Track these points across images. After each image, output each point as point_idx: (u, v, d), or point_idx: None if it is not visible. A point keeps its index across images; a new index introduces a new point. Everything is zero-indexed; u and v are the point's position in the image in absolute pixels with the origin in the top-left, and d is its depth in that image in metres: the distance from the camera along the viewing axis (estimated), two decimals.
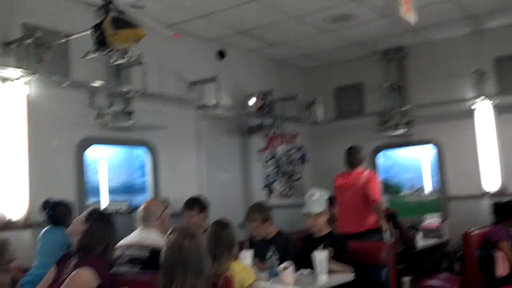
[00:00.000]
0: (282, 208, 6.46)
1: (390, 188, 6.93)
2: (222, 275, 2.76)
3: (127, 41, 3.72)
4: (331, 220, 5.46)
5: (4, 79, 4.09)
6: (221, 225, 3.30)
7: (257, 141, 6.67)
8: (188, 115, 5.72)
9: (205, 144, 5.85)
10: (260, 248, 3.86)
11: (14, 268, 3.57)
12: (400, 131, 6.72)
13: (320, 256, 3.55)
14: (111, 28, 3.67)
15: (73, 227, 2.97)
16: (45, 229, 3.67)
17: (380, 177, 6.61)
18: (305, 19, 5.62)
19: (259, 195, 6.46)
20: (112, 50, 3.89)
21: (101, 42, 3.75)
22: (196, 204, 4.86)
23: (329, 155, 7.10)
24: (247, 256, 3.56)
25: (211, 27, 5.72)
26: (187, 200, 4.91)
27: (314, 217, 3.97)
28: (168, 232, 2.62)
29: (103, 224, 2.95)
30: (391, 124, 6.84)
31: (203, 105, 5.77)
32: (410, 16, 4.73)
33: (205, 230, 3.41)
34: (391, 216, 5.23)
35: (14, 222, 4.03)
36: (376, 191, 5.01)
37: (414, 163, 6.90)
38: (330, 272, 3.62)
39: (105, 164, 5.15)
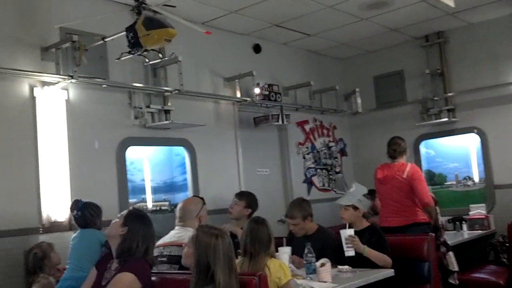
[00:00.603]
0: (323, 202, 6.43)
1: (434, 179, 6.75)
2: (256, 273, 2.76)
3: (159, 41, 3.75)
4: (374, 213, 5.42)
5: (45, 84, 4.21)
6: (258, 223, 3.30)
7: (296, 134, 6.62)
8: (225, 111, 5.73)
9: (242, 140, 5.85)
10: (299, 245, 3.84)
11: (59, 270, 3.70)
12: (443, 119, 6.53)
13: (346, 233, 3.69)
14: (144, 29, 3.71)
15: (111, 230, 3.02)
16: (75, 233, 3.74)
17: (423, 168, 6.53)
18: (339, 7, 5.51)
19: (299, 189, 6.41)
20: (146, 50, 3.93)
21: (135, 43, 3.79)
22: (246, 196, 4.91)
23: (370, 147, 6.99)
24: (284, 253, 3.55)
25: (246, 21, 5.69)
26: (241, 191, 5.06)
27: (343, 209, 3.99)
28: (194, 234, 2.64)
29: (142, 226, 2.98)
30: (434, 112, 6.65)
31: (240, 100, 5.77)
32: None
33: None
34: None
35: (59, 224, 4.15)
36: (426, 192, 4.84)
37: (458, 152, 6.67)
38: (370, 262, 3.66)
39: (147, 163, 5.23)
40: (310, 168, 6.76)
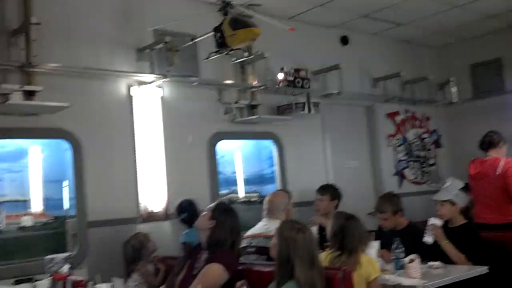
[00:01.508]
0: (415, 195, 6.26)
1: None
2: (341, 267, 2.78)
3: (245, 40, 3.84)
4: (467, 208, 5.18)
5: (140, 83, 4.47)
6: (352, 219, 3.27)
7: (386, 126, 6.49)
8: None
9: (330, 132, 5.85)
10: (388, 239, 3.78)
11: (156, 258, 3.93)
12: None
13: (432, 220, 3.75)
14: (229, 29, 3.82)
15: (200, 223, 3.16)
16: (186, 231, 3.89)
17: None
18: None
19: (390, 182, 6.29)
20: (232, 49, 4.04)
21: (222, 43, 3.92)
22: (328, 190, 4.89)
23: (466, 138, 6.61)
24: (372, 247, 3.52)
25: (332, 14, 5.66)
26: (320, 186, 4.98)
27: (439, 205, 3.88)
28: (278, 226, 2.71)
29: (229, 219, 3.09)
30: None
31: (327, 94, 5.76)
32: None
33: None
34: None
35: (155, 214, 4.41)
36: None
37: None
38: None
39: (238, 156, 5.41)
40: (402, 160, 6.60)
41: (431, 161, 6.96)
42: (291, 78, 5.26)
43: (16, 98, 3.74)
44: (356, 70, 6.16)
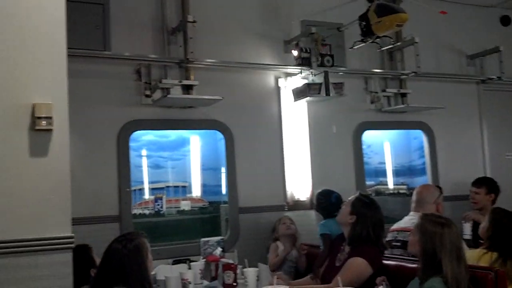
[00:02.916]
0: None
1: None
2: (493, 268, 2.60)
3: (391, 27, 3.73)
4: None
5: (287, 74, 4.57)
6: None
7: None
8: (468, 92, 5.39)
9: (488, 122, 5.42)
10: None
11: (302, 245, 4.01)
12: None
13: None
14: (375, 16, 3.73)
15: (341, 217, 3.12)
16: (322, 222, 3.83)
17: None
18: None
19: None
20: (378, 37, 3.94)
21: (367, 31, 3.85)
22: (484, 183, 4.59)
23: None
24: None
25: None
26: (476, 178, 4.68)
27: None
28: (419, 222, 2.60)
29: (370, 213, 3.00)
30: None
31: (485, 79, 5.35)
32: None
33: None
34: None
35: (301, 202, 4.50)
36: None
37: None
38: None
39: (387, 146, 5.29)
40: None
41: None
42: (307, 55, 4.49)
43: (176, 92, 4.09)
44: None
